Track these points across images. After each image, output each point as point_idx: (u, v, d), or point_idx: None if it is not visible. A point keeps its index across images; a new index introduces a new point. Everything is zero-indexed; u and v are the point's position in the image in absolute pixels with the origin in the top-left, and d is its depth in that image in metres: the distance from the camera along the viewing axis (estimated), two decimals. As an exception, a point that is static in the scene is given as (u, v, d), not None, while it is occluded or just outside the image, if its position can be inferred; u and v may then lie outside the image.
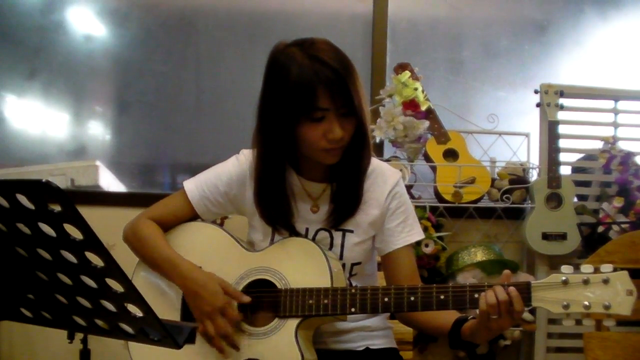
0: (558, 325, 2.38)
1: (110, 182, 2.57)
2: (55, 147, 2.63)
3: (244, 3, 2.71)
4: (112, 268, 0.77)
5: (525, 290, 1.21)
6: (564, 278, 1.19)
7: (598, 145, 2.47)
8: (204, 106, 2.67)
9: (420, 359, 2.43)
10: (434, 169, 2.34)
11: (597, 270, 1.19)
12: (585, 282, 1.18)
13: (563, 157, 2.35)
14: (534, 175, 2.44)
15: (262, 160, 1.38)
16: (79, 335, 1.99)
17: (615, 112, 2.50)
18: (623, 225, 2.26)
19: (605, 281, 1.17)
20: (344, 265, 1.42)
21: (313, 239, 1.42)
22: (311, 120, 1.28)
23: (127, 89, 2.69)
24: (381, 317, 1.51)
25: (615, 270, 1.18)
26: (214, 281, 1.34)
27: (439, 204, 2.34)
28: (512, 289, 1.20)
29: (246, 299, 1.35)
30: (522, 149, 2.50)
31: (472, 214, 2.42)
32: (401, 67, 2.36)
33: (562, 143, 2.35)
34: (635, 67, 2.77)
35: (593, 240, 2.29)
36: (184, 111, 2.65)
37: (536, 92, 2.37)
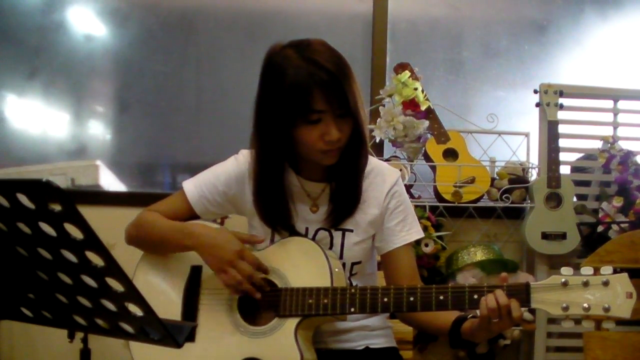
0: (558, 325, 2.38)
1: (110, 181, 2.57)
2: (55, 146, 2.63)
3: (244, 3, 2.71)
4: (113, 267, 0.77)
5: (524, 292, 1.22)
6: (563, 280, 1.20)
7: (597, 144, 2.47)
8: (204, 106, 2.67)
9: (420, 359, 2.44)
10: (433, 168, 2.34)
11: (597, 272, 1.19)
12: (585, 284, 1.18)
13: (562, 156, 2.35)
14: (533, 175, 2.45)
15: (259, 162, 1.39)
16: (79, 335, 1.99)
17: (615, 111, 2.51)
18: (622, 225, 2.27)
19: (605, 283, 1.17)
20: (344, 265, 1.42)
21: (313, 239, 1.42)
22: (307, 122, 1.28)
23: (127, 89, 2.69)
24: (381, 316, 1.51)
25: (615, 272, 1.18)
26: (225, 231, 1.37)
27: (438, 204, 2.34)
28: (512, 300, 1.20)
29: (260, 238, 1.39)
30: (522, 149, 2.50)
31: (471, 214, 2.42)
32: (401, 67, 2.36)
33: (562, 143, 2.35)
34: (635, 66, 2.77)
35: (592, 240, 2.29)
36: (184, 111, 2.65)
37: (536, 91, 2.37)
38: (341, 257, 1.43)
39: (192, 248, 1.37)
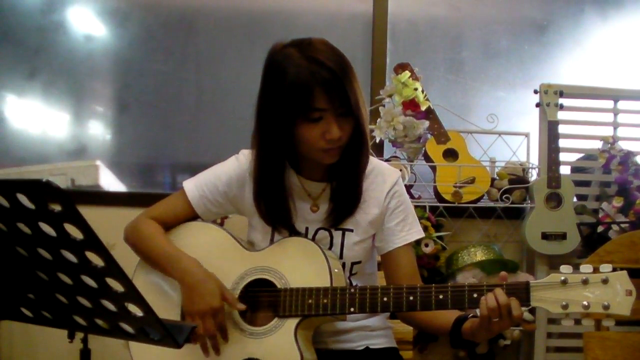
0: (558, 325, 2.38)
1: (110, 182, 2.57)
2: (55, 147, 2.63)
3: (244, 3, 2.71)
4: (112, 268, 0.77)
5: (524, 290, 1.22)
6: (563, 278, 1.20)
7: (598, 145, 2.47)
8: (204, 106, 2.67)
9: (420, 359, 2.44)
10: (433, 168, 2.34)
11: (596, 270, 1.19)
12: (585, 282, 1.18)
13: (563, 157, 2.35)
14: (533, 175, 2.45)
15: (261, 161, 1.39)
16: (79, 335, 2.00)
17: (615, 112, 2.51)
18: (623, 225, 2.26)
19: (605, 281, 1.17)
20: (344, 265, 1.42)
21: (313, 239, 1.42)
22: (309, 121, 1.28)
23: (127, 89, 2.69)
24: (381, 316, 1.51)
25: (614, 270, 1.18)
26: (214, 282, 1.34)
27: (438, 204, 2.34)
28: (512, 299, 1.20)
29: (241, 306, 1.35)
30: (522, 149, 2.50)
31: (471, 214, 2.42)
32: (401, 67, 2.36)
33: (562, 143, 2.35)
34: (635, 67, 2.77)
35: (593, 240, 2.29)
36: (184, 111, 2.65)
37: (536, 92, 2.37)
38: (341, 256, 1.43)
39: (176, 280, 1.37)
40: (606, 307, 1.16)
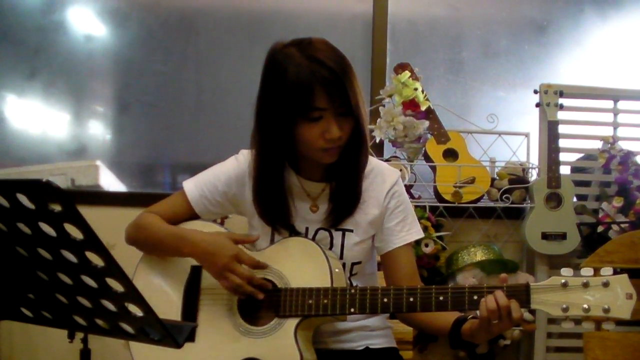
0: (558, 325, 2.38)
1: (110, 182, 2.57)
2: (55, 147, 2.63)
3: (244, 3, 2.71)
4: (112, 268, 0.77)
5: (524, 293, 1.21)
6: (563, 281, 1.20)
7: (598, 145, 2.47)
8: (204, 106, 2.67)
9: (420, 359, 2.44)
10: (433, 169, 2.34)
11: (596, 273, 1.19)
12: (585, 285, 1.18)
13: (563, 156, 2.35)
14: (533, 175, 2.45)
15: (260, 160, 1.39)
16: (79, 335, 1.99)
17: (615, 112, 2.51)
18: (623, 225, 2.27)
19: (605, 284, 1.17)
20: (344, 265, 1.42)
21: (313, 239, 1.42)
22: (309, 120, 1.28)
23: (127, 89, 2.69)
24: (381, 316, 1.51)
25: (615, 273, 1.18)
26: (222, 235, 1.38)
27: (438, 204, 2.34)
28: (512, 300, 1.20)
29: (254, 237, 1.40)
30: (522, 149, 2.50)
31: (471, 214, 2.42)
32: (401, 67, 2.36)
33: (562, 143, 2.35)
34: (635, 67, 2.77)
35: (593, 240, 2.29)
36: (184, 111, 2.65)
37: (536, 92, 2.37)
38: (341, 257, 1.43)
39: (190, 255, 1.38)
40: (606, 311, 1.16)
